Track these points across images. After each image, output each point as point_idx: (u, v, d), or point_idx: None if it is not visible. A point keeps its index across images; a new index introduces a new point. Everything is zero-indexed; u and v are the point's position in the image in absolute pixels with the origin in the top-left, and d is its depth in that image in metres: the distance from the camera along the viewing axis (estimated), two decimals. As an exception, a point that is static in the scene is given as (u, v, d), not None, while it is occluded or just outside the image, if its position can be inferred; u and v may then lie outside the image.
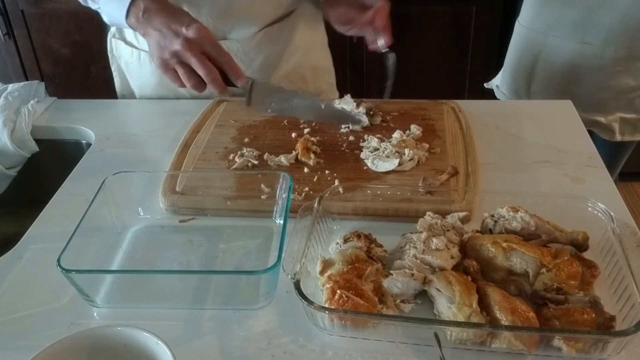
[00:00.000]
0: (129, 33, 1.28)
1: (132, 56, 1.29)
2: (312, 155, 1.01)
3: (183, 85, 0.92)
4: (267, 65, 1.27)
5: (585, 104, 1.19)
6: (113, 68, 1.36)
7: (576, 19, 1.32)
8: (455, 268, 0.75)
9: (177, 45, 0.88)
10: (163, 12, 0.92)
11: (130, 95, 1.36)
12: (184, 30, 0.89)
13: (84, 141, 1.21)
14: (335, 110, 1.09)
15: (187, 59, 0.89)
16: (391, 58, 1.13)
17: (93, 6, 1.07)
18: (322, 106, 1.05)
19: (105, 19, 1.06)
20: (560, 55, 1.37)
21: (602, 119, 1.37)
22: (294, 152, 1.02)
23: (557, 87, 1.41)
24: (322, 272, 0.74)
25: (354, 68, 2.38)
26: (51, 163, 1.20)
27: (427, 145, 1.03)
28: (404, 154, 0.99)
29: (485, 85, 1.64)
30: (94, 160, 1.08)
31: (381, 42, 1.10)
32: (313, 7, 1.31)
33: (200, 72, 0.89)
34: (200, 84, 0.91)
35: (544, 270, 0.72)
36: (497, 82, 1.59)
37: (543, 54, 1.41)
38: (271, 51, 1.26)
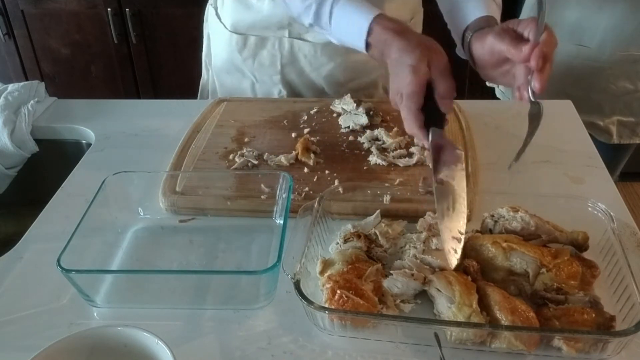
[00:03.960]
0: (219, 6, 1.30)
1: (217, 25, 1.31)
2: (312, 155, 1.01)
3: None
4: (334, 75, 1.25)
5: (583, 106, 1.19)
6: (205, 33, 1.40)
7: (572, 22, 1.32)
8: (455, 268, 0.75)
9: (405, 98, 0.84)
10: (397, 53, 0.84)
11: (209, 61, 1.39)
12: (402, 91, 0.83)
13: (84, 141, 1.21)
14: None
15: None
16: (536, 109, 0.84)
17: (320, 32, 0.98)
18: None
19: (335, 41, 0.99)
20: (557, 56, 1.36)
21: (599, 122, 1.37)
22: (294, 152, 1.02)
23: (554, 88, 1.40)
24: (322, 272, 0.74)
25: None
26: (51, 163, 1.20)
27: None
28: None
29: (487, 84, 1.64)
30: (94, 160, 1.08)
31: (532, 88, 0.82)
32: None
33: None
34: None
35: (544, 270, 0.72)
36: None
37: None
38: (343, 63, 1.24)
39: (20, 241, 0.88)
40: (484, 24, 0.91)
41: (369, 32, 0.88)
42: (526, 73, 0.83)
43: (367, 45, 0.89)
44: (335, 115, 1.16)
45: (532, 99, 0.83)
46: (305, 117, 1.15)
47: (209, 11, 1.35)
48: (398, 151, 1.02)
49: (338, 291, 0.69)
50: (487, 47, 0.86)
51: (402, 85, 0.83)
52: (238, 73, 1.30)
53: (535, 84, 0.81)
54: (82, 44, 2.45)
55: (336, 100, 1.18)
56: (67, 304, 0.77)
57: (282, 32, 1.22)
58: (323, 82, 1.27)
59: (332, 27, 0.94)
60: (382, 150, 1.02)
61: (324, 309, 0.68)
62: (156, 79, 2.49)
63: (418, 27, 1.33)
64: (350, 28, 0.91)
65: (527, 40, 0.82)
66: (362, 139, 1.06)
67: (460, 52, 0.98)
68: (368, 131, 1.07)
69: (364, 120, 1.11)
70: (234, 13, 1.24)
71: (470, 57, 0.92)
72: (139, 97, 2.52)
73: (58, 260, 0.71)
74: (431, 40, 0.86)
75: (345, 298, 0.68)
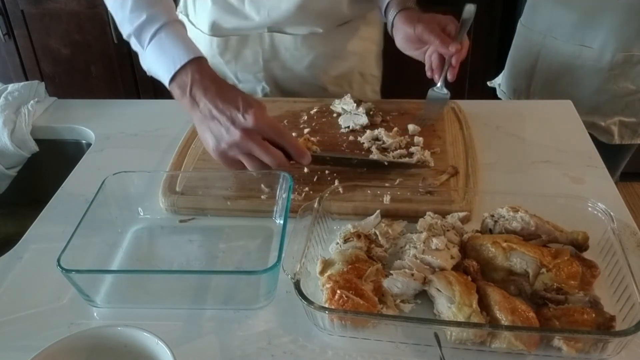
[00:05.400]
0: (191, 13, 1.29)
1: (192, 32, 1.28)
2: None
3: (243, 169, 0.88)
4: (315, 65, 1.27)
5: (584, 107, 1.19)
6: None
7: (575, 22, 1.32)
8: (455, 268, 0.75)
9: (236, 136, 0.83)
10: (212, 90, 0.86)
11: None
12: (240, 118, 0.83)
13: (84, 141, 1.21)
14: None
15: (249, 150, 0.84)
16: (444, 95, 1.12)
17: (135, 47, 0.95)
18: (385, 163, 0.98)
19: (143, 65, 0.96)
20: (559, 57, 1.38)
21: (601, 122, 1.37)
22: (294, 152, 1.02)
23: (556, 88, 1.41)
24: (322, 272, 0.74)
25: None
26: (51, 163, 1.20)
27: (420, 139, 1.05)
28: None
29: (488, 83, 1.64)
30: (94, 160, 1.08)
31: (444, 77, 1.08)
32: (375, 16, 1.30)
33: (266, 160, 0.85)
34: (264, 167, 0.87)
35: (544, 270, 0.72)
36: (499, 81, 1.59)
37: (542, 55, 1.41)
38: (324, 52, 1.26)
39: (20, 241, 0.88)
40: (402, 5, 1.11)
41: (183, 68, 0.87)
42: (441, 60, 1.08)
43: (173, 78, 0.88)
44: (335, 115, 1.16)
45: (444, 87, 1.11)
46: (305, 117, 1.15)
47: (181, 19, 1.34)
48: (398, 151, 1.02)
49: (338, 291, 0.69)
50: (417, 32, 1.06)
51: (235, 121, 0.83)
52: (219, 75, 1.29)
53: (450, 76, 1.08)
54: (82, 44, 2.45)
55: (336, 100, 1.18)
56: (67, 304, 0.77)
57: (262, 29, 1.22)
58: (306, 73, 1.28)
59: (150, 45, 0.91)
60: (382, 150, 1.02)
61: (324, 309, 0.68)
62: (156, 79, 2.49)
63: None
64: (167, 53, 0.89)
65: (449, 34, 1.05)
66: (362, 139, 1.06)
67: (382, 17, 1.18)
68: (368, 131, 1.07)
69: (364, 120, 1.11)
70: (214, 18, 1.22)
71: (390, 27, 1.13)
72: (139, 97, 2.53)
73: (58, 260, 0.71)
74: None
75: (345, 298, 0.68)
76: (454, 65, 1.06)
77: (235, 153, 0.86)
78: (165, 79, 0.90)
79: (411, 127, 1.08)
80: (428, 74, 1.12)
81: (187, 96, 0.88)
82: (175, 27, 0.91)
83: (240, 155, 0.86)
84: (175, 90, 0.90)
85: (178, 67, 0.88)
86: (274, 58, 1.26)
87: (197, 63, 0.89)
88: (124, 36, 0.95)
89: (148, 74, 0.95)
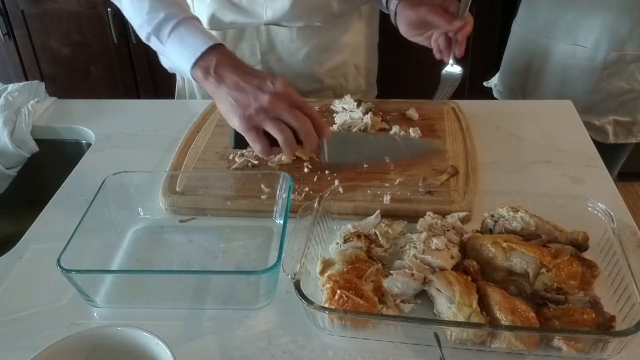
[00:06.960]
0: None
1: None
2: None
3: (267, 148, 0.85)
4: (311, 57, 1.28)
5: (579, 106, 1.19)
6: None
7: (569, 21, 1.32)
8: (455, 268, 0.75)
9: (264, 100, 0.82)
10: (238, 69, 0.86)
11: (190, 94, 1.38)
12: (269, 84, 0.83)
13: (84, 141, 1.21)
14: (411, 142, 1.05)
15: (277, 113, 0.82)
16: (455, 75, 1.14)
17: (155, 46, 0.96)
18: (401, 143, 1.01)
19: (164, 63, 0.97)
20: (554, 56, 1.38)
21: (595, 121, 1.37)
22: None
23: (550, 87, 1.41)
24: (322, 272, 0.74)
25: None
26: (51, 163, 1.20)
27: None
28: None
29: (485, 84, 1.64)
30: (94, 160, 1.08)
31: (453, 54, 1.10)
32: (369, 10, 1.31)
33: (295, 124, 0.83)
34: (291, 138, 0.84)
35: (544, 270, 0.72)
36: (495, 81, 1.59)
37: (537, 55, 1.41)
38: (318, 45, 1.27)
39: (20, 241, 0.88)
40: None
41: (205, 53, 0.87)
42: (447, 41, 1.09)
43: (196, 63, 0.88)
44: (335, 115, 1.16)
45: (453, 63, 1.12)
46: (305, 117, 1.15)
47: None
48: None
49: (338, 291, 0.69)
50: (420, 15, 1.08)
51: (263, 88, 0.84)
52: None
53: (457, 52, 1.10)
54: (82, 44, 2.45)
55: (336, 100, 1.18)
56: (67, 304, 0.77)
57: (259, 21, 1.22)
58: (301, 65, 1.28)
59: (170, 40, 0.91)
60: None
61: (324, 309, 0.68)
62: (156, 79, 2.49)
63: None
64: (188, 44, 0.90)
65: (452, 14, 1.06)
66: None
67: (382, 7, 1.20)
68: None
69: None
70: (213, 11, 1.22)
71: (394, 16, 1.15)
72: (139, 97, 2.52)
73: (58, 260, 0.71)
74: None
75: (345, 298, 0.68)
76: (460, 41, 1.08)
77: (262, 118, 0.83)
78: (186, 67, 0.89)
79: (411, 112, 1.10)
80: (437, 56, 1.13)
81: (211, 75, 0.87)
82: (192, 22, 0.92)
83: (267, 122, 0.83)
84: (197, 74, 0.88)
85: (199, 53, 0.87)
86: (270, 51, 1.27)
87: (220, 49, 0.89)
88: (144, 39, 0.95)
89: (170, 71, 0.96)
